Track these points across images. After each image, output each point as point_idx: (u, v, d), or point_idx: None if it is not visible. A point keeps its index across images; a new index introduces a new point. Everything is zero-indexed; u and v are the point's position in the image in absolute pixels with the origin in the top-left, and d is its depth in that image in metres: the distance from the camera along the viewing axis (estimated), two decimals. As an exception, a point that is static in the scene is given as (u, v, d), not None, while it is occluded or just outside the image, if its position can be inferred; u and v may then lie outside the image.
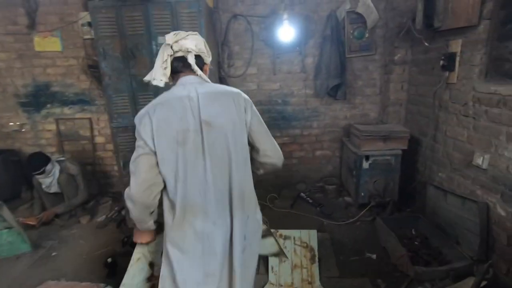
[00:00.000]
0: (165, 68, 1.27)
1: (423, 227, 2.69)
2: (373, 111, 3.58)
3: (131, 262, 1.69)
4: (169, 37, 1.26)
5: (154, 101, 1.27)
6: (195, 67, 1.27)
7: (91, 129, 3.63)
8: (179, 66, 1.29)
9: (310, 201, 3.37)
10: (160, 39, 2.42)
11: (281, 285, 2.16)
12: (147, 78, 1.32)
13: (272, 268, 2.28)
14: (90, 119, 3.60)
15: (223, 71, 3.38)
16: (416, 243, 2.59)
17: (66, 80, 3.48)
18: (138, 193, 1.23)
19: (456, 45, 2.36)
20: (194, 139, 1.22)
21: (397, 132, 2.89)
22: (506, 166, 1.95)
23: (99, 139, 3.68)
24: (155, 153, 1.22)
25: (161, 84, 1.29)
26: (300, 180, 3.77)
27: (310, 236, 2.42)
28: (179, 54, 1.27)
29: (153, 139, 1.21)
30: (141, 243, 1.54)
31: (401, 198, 3.08)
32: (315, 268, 2.26)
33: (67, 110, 3.58)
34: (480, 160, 2.13)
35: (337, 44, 3.16)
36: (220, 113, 1.25)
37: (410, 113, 3.23)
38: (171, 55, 1.27)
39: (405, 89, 3.24)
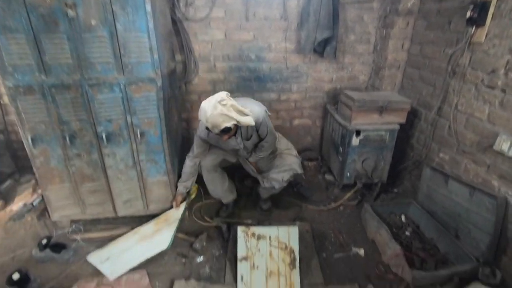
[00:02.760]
0: None
1: (415, 213, 2.34)
2: (363, 74, 3.00)
3: None
4: None
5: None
6: None
7: (-4, 84, 2.64)
8: None
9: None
10: None
11: (253, 298, 1.70)
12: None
13: (242, 277, 1.80)
14: (-8, 70, 2.59)
15: (179, 11, 2.51)
16: (407, 233, 2.24)
17: None
18: None
19: (492, -10, 1.77)
20: None
21: (396, 102, 2.37)
22: (544, 157, 1.52)
23: (9, 99, 2.72)
24: None
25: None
26: (275, 154, 3.23)
27: (290, 235, 1.94)
28: None
29: None
30: None
31: (388, 178, 2.69)
32: (295, 275, 1.82)
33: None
34: (507, 145, 1.70)
35: (330, -18, 2.41)
36: None
37: (408, 78, 2.70)
38: None
39: (406, 48, 2.66)
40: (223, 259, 2.00)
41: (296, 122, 3.15)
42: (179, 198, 2.23)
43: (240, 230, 1.95)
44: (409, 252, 2.01)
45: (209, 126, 1.73)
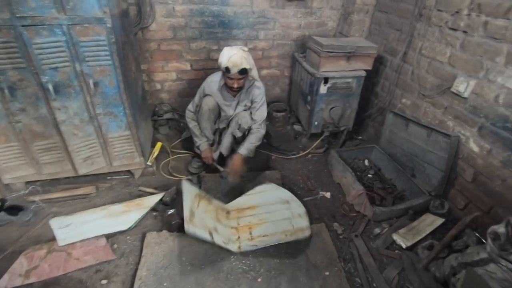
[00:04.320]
0: None
1: (377, 157, 2.48)
2: (332, 20, 2.90)
3: None
4: None
5: None
6: None
7: None
8: None
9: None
10: None
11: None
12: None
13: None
14: None
15: None
16: (369, 175, 2.39)
17: None
18: None
19: None
20: None
21: (364, 47, 2.34)
22: (495, 95, 1.62)
23: None
24: None
25: None
26: (243, 106, 3.16)
27: None
28: None
29: None
30: None
31: (354, 125, 2.78)
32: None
33: None
34: (463, 86, 1.77)
35: None
36: None
37: (376, 24, 2.66)
38: None
39: (375, -10, 2.58)
40: (195, 210, 2.01)
41: (264, 72, 3.05)
42: (209, 152, 2.24)
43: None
44: (371, 192, 2.15)
45: (230, 65, 1.90)
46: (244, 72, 1.96)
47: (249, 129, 2.24)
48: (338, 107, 2.56)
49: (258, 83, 2.18)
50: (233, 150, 2.31)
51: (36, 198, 2.00)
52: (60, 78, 1.70)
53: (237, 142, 2.29)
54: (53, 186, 2.12)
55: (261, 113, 2.22)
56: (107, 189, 2.15)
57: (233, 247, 1.69)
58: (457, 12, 1.80)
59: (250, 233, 1.80)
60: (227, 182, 2.15)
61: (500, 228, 1.32)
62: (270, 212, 1.92)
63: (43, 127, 1.85)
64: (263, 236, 1.78)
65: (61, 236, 1.74)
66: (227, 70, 1.94)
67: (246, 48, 2.00)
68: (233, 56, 1.90)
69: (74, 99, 1.79)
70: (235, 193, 2.05)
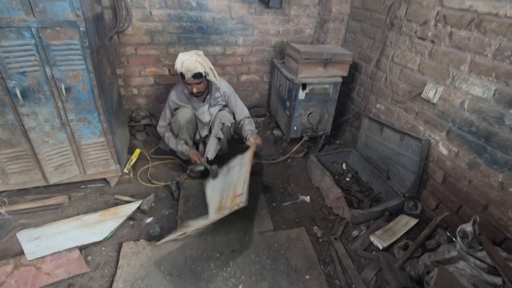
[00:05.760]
0: None
1: (354, 161, 2.55)
2: (309, 27, 2.97)
3: None
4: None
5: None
6: None
7: None
8: None
9: (236, 136, 2.85)
10: None
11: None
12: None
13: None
14: None
15: None
16: (347, 179, 2.45)
17: None
18: None
19: None
20: None
21: (340, 55, 2.41)
22: (461, 101, 1.72)
23: None
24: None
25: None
26: (223, 111, 3.15)
27: None
28: None
29: None
30: None
31: (332, 130, 2.85)
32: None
33: None
34: (432, 93, 1.87)
35: None
36: None
37: (351, 32, 2.75)
38: None
39: (349, 0, 2.67)
40: (174, 218, 1.97)
41: (243, 77, 3.07)
42: (196, 154, 2.21)
43: None
44: (349, 195, 2.21)
45: (184, 70, 1.92)
46: (199, 76, 1.96)
47: (231, 126, 2.28)
48: (316, 112, 2.61)
49: (223, 85, 2.22)
50: (217, 154, 2.32)
51: (2, 209, 1.88)
52: (29, 83, 1.62)
53: (221, 145, 2.32)
54: (21, 196, 2.01)
55: (242, 108, 2.30)
56: (80, 198, 2.06)
57: (242, 200, 1.68)
58: (425, 22, 1.91)
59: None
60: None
61: (468, 227, 1.40)
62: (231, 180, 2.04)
63: (9, 134, 1.75)
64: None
65: (30, 249, 1.64)
66: (181, 75, 1.97)
67: (201, 52, 2.02)
68: (185, 61, 1.91)
69: (44, 105, 1.71)
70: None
